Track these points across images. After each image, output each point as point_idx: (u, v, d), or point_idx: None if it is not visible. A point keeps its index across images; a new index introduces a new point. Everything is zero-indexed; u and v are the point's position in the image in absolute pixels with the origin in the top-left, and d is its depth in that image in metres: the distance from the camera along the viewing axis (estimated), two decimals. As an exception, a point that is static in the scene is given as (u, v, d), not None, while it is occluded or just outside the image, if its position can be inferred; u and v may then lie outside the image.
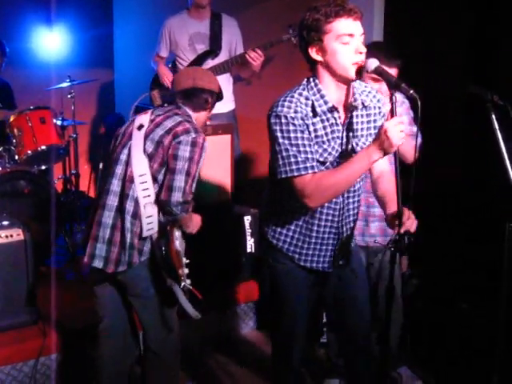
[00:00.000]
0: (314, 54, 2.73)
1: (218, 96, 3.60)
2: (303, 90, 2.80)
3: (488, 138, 3.04)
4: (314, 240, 2.94)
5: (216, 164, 4.68)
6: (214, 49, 5.31)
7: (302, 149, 2.71)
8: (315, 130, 2.76)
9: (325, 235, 2.94)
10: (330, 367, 4.12)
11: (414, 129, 3.71)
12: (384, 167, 3.01)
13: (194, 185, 3.31)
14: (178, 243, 3.25)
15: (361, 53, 2.67)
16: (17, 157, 5.27)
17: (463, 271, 4.64)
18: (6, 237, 3.96)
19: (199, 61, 5.30)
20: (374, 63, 2.64)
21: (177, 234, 3.25)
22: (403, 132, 2.55)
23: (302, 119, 2.72)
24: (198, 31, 5.33)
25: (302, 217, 2.92)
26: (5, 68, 6.13)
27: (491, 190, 3.90)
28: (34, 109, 5.40)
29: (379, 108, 2.94)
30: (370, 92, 2.93)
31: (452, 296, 4.61)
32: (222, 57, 5.30)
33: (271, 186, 3.02)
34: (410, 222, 2.67)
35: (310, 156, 2.73)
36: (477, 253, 4.54)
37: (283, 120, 2.72)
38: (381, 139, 2.57)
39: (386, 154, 2.62)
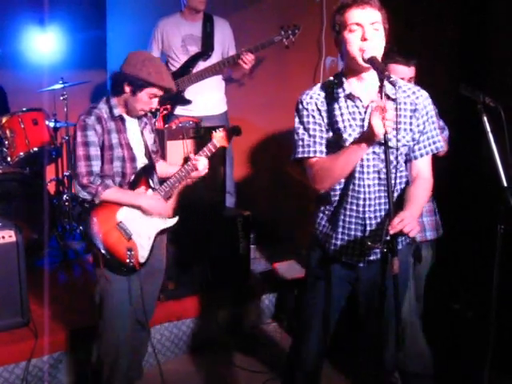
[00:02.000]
0: (337, 45, 2.86)
1: (144, 83, 3.48)
2: (329, 80, 2.95)
3: (479, 140, 3.04)
4: (340, 229, 2.99)
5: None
6: (206, 50, 5.32)
7: (311, 133, 2.88)
8: (330, 117, 2.87)
9: (351, 225, 2.96)
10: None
11: (441, 123, 3.76)
12: (422, 171, 2.99)
13: (89, 167, 3.42)
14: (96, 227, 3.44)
15: (365, 39, 2.71)
16: (9, 158, 5.27)
17: (457, 272, 4.65)
18: (4, 238, 3.95)
19: (191, 62, 5.31)
20: (369, 54, 2.70)
21: (95, 219, 3.43)
22: (388, 120, 2.56)
23: (316, 104, 2.88)
24: (191, 33, 5.33)
25: (329, 205, 3.02)
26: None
27: (483, 191, 3.91)
28: (27, 110, 5.40)
29: (416, 105, 2.93)
30: (409, 88, 2.95)
31: (444, 296, 4.62)
32: (214, 58, 5.30)
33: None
34: (402, 225, 2.66)
35: (318, 140, 2.88)
36: (468, 254, 4.56)
37: (300, 106, 2.94)
38: (366, 129, 2.67)
39: (371, 141, 2.67)
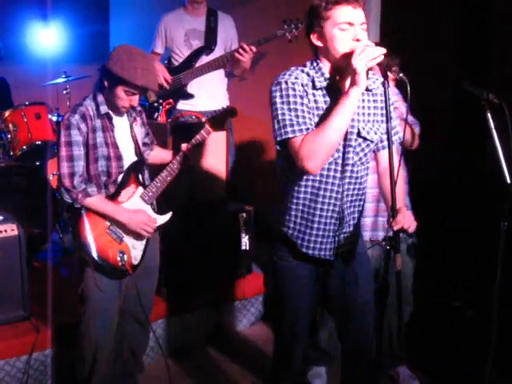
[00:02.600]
0: (315, 39, 2.80)
1: (117, 79, 3.37)
2: (305, 67, 2.86)
3: (483, 137, 3.04)
4: (316, 225, 2.92)
5: (211, 161, 4.67)
6: (209, 45, 5.30)
7: (299, 113, 2.75)
8: (316, 101, 2.80)
9: (327, 220, 2.92)
10: (317, 355, 4.10)
11: (412, 118, 3.77)
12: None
13: (71, 168, 3.36)
14: (86, 232, 3.41)
15: (358, 40, 2.69)
16: (12, 152, 5.26)
17: (458, 269, 4.65)
18: (0, 232, 3.94)
19: (194, 57, 5.29)
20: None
21: (84, 223, 3.41)
22: (364, 55, 2.58)
23: (302, 86, 2.78)
24: (194, 27, 5.31)
25: (305, 201, 2.91)
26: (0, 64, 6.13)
27: (486, 188, 3.91)
28: (30, 104, 5.38)
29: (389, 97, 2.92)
30: (377, 79, 2.95)
31: (447, 294, 4.61)
32: (217, 53, 5.28)
33: (279, 169, 3.03)
34: (405, 221, 2.68)
35: (307, 120, 2.75)
36: (470, 252, 4.56)
37: (283, 86, 2.77)
38: (354, 69, 2.62)
39: (357, 84, 2.64)
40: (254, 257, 4.98)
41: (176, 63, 5.35)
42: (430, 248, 4.24)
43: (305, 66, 2.86)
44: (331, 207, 2.91)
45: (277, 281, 3.08)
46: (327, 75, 2.80)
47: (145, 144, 3.75)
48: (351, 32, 2.70)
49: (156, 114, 5.15)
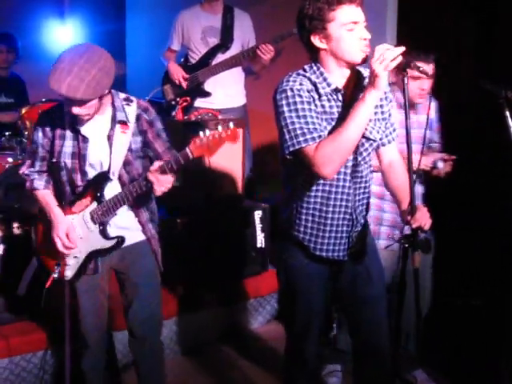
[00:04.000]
0: (317, 41, 2.73)
1: None
2: (305, 72, 2.79)
3: (501, 135, 3.02)
4: (328, 228, 2.90)
5: (227, 158, 4.67)
6: (225, 42, 5.31)
7: (309, 120, 2.69)
8: (322, 106, 2.75)
9: (339, 222, 2.90)
10: (332, 354, 4.08)
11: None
12: (394, 157, 2.99)
13: (28, 160, 3.34)
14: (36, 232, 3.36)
15: (365, 39, 2.67)
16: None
17: (474, 268, 4.62)
18: (19, 228, 3.95)
19: (210, 54, 5.30)
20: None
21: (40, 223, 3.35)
22: (385, 59, 2.55)
23: (308, 91, 2.71)
24: (211, 25, 5.32)
25: (314, 205, 2.88)
26: (17, 62, 6.15)
27: (501, 186, 3.88)
28: (46, 101, 5.39)
29: (385, 93, 2.91)
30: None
31: (464, 293, 4.59)
32: (234, 51, 5.29)
33: (284, 172, 3.00)
34: (424, 219, 2.66)
35: (317, 126, 2.70)
36: (487, 249, 4.53)
37: (289, 93, 2.70)
38: (371, 75, 2.60)
39: (377, 87, 2.60)
40: (270, 254, 4.96)
41: (193, 61, 5.36)
42: (445, 246, 4.20)
43: (304, 70, 2.80)
44: (343, 209, 2.89)
45: (288, 279, 3.06)
46: (330, 79, 2.76)
47: (139, 157, 3.27)
48: (357, 31, 2.67)
49: (173, 112, 5.16)
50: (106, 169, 3.15)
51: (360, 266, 3.02)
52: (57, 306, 3.32)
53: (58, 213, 3.21)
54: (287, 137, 2.70)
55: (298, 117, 2.68)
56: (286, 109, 2.70)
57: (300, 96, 2.69)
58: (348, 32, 2.66)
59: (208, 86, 5.31)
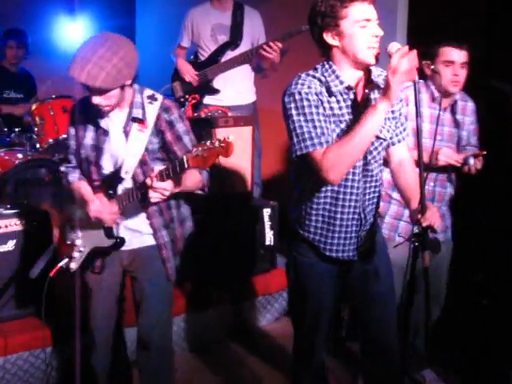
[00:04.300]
0: (329, 39, 2.72)
1: None
2: (316, 72, 2.79)
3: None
4: (338, 228, 2.89)
5: (237, 156, 4.66)
6: (235, 40, 5.30)
7: (317, 124, 2.69)
8: (331, 108, 2.74)
9: (348, 222, 2.89)
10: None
11: None
12: (403, 155, 2.98)
13: (66, 154, 3.38)
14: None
15: (377, 36, 2.67)
16: (38, 145, 5.31)
17: (486, 267, 4.60)
18: (27, 224, 3.97)
19: (220, 52, 5.30)
20: (394, 46, 2.62)
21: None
22: (411, 60, 2.53)
23: (316, 95, 2.70)
24: (220, 22, 5.31)
25: (324, 205, 2.88)
26: (27, 58, 6.18)
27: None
28: (56, 98, 5.42)
29: None
30: (386, 76, 2.91)
31: (473, 292, 4.57)
32: (243, 48, 5.28)
33: (293, 173, 3.00)
34: (434, 218, 2.65)
35: (325, 131, 2.70)
36: (499, 250, 4.51)
37: (297, 96, 2.70)
38: (385, 85, 2.58)
39: (392, 97, 2.59)
40: (279, 252, 4.96)
41: (202, 58, 5.36)
42: (464, 246, 4.20)
43: (315, 70, 2.80)
44: (352, 209, 2.88)
45: (298, 277, 3.06)
46: (342, 77, 2.75)
47: (157, 159, 3.15)
48: (370, 28, 2.66)
49: (182, 109, 5.16)
50: (119, 167, 3.09)
51: (368, 264, 3.01)
52: (63, 300, 3.38)
53: (91, 197, 3.12)
54: (295, 140, 2.71)
55: (306, 121, 2.69)
56: (294, 112, 2.71)
57: (308, 100, 2.69)
58: (361, 29, 2.65)
59: (217, 83, 5.31)
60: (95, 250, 3.20)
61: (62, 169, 3.37)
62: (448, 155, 3.59)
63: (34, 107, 5.38)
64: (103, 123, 3.12)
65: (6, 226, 3.90)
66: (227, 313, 4.71)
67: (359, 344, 3.23)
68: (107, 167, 3.15)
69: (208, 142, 2.64)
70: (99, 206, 3.09)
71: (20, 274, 3.91)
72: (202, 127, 4.53)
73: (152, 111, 3.08)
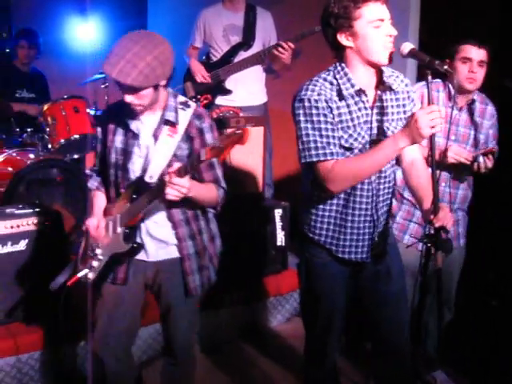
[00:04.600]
0: (343, 40, 2.72)
1: None
2: (328, 75, 2.79)
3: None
4: (349, 230, 2.89)
5: (248, 156, 4.67)
6: (247, 40, 5.31)
7: (324, 133, 2.70)
8: (339, 115, 2.74)
9: (360, 224, 2.89)
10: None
11: None
12: (415, 155, 2.97)
13: (94, 159, 3.25)
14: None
15: (391, 36, 2.67)
16: (50, 145, 5.33)
17: (494, 268, 4.59)
18: (39, 224, 3.97)
19: (232, 52, 5.31)
20: (407, 46, 2.63)
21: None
22: (436, 120, 2.51)
23: (326, 102, 2.71)
24: (233, 23, 5.32)
25: (336, 207, 2.89)
26: (39, 58, 6.20)
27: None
28: (68, 98, 5.45)
29: (407, 92, 2.92)
30: (397, 76, 2.91)
31: (482, 293, 4.55)
32: (256, 49, 5.29)
33: (303, 177, 3.00)
34: (446, 218, 2.64)
35: (331, 141, 2.71)
36: (507, 250, 4.50)
37: (306, 103, 2.71)
38: (410, 127, 2.55)
39: (414, 142, 2.60)
40: (290, 253, 4.95)
41: (214, 58, 5.37)
42: (474, 246, 4.19)
43: (328, 72, 2.81)
44: (363, 212, 2.89)
45: (310, 277, 3.06)
46: (354, 80, 2.75)
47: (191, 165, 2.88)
48: (383, 28, 2.66)
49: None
50: (147, 170, 2.97)
51: (380, 265, 3.01)
52: (78, 308, 3.22)
53: (97, 212, 3.11)
54: (301, 147, 2.75)
55: (314, 129, 2.71)
56: (302, 119, 2.73)
57: (317, 108, 2.70)
58: (374, 29, 2.65)
59: (229, 83, 5.32)
60: (114, 258, 3.05)
61: (87, 171, 3.28)
62: (457, 152, 3.58)
63: (45, 107, 5.40)
64: (133, 125, 3.00)
65: (18, 226, 3.91)
66: (238, 313, 4.70)
67: (371, 344, 3.23)
68: (135, 172, 3.02)
69: (225, 133, 2.57)
70: (94, 222, 3.06)
71: (32, 274, 3.91)
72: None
73: (184, 117, 2.97)
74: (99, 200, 3.16)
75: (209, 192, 3.01)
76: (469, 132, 3.73)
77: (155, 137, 2.97)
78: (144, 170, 2.98)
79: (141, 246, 3.03)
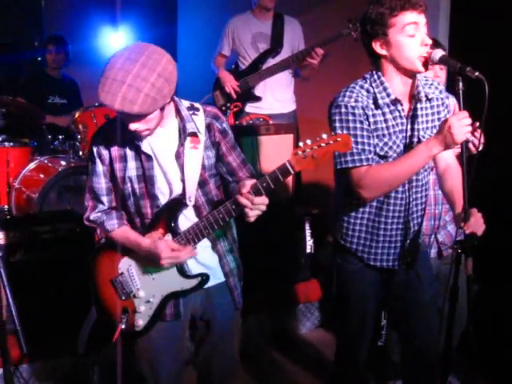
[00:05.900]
0: (378, 48, 2.71)
1: None
2: (365, 83, 2.79)
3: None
4: (381, 238, 2.90)
5: (277, 163, 4.66)
6: (275, 47, 5.34)
7: (359, 140, 2.70)
8: (375, 123, 2.73)
9: (392, 232, 2.89)
10: (391, 369, 4.04)
11: None
12: (450, 160, 2.96)
13: (91, 200, 2.78)
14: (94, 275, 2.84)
15: (426, 45, 2.64)
16: (81, 152, 5.38)
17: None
18: (70, 231, 4.01)
19: (261, 59, 5.35)
20: (438, 53, 2.61)
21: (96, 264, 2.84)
22: (468, 127, 2.50)
23: (363, 109, 2.70)
24: (261, 31, 5.36)
25: (368, 215, 2.89)
26: (69, 65, 6.28)
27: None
28: (99, 105, 5.50)
29: (442, 99, 2.91)
30: (432, 84, 2.90)
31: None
32: (284, 56, 5.32)
33: (336, 184, 3.01)
34: (477, 225, 2.62)
35: (366, 148, 2.71)
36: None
37: (343, 109, 2.71)
38: (443, 134, 2.54)
39: (447, 148, 2.59)
40: (319, 260, 4.95)
41: (243, 66, 5.41)
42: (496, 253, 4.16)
43: (364, 79, 2.80)
44: (395, 220, 2.88)
45: (342, 283, 3.06)
46: (389, 89, 2.74)
47: (213, 175, 2.78)
48: (418, 37, 2.64)
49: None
50: (177, 193, 2.68)
51: (411, 272, 3.00)
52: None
53: (148, 242, 2.65)
54: (336, 153, 2.70)
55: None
56: (338, 125, 2.72)
57: (353, 114, 2.70)
58: (409, 38, 2.63)
59: (258, 92, 5.34)
60: (169, 297, 2.74)
61: (91, 218, 2.78)
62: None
63: (77, 115, 5.47)
64: (145, 147, 2.64)
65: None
66: (267, 320, 4.71)
67: (399, 347, 3.22)
68: (163, 197, 2.70)
69: (316, 140, 2.34)
70: (168, 247, 2.61)
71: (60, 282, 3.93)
72: (245, 135, 4.55)
73: (200, 122, 2.67)
74: (134, 233, 2.74)
75: None
76: None
77: (178, 155, 2.64)
78: (172, 193, 2.69)
79: (208, 277, 2.74)
